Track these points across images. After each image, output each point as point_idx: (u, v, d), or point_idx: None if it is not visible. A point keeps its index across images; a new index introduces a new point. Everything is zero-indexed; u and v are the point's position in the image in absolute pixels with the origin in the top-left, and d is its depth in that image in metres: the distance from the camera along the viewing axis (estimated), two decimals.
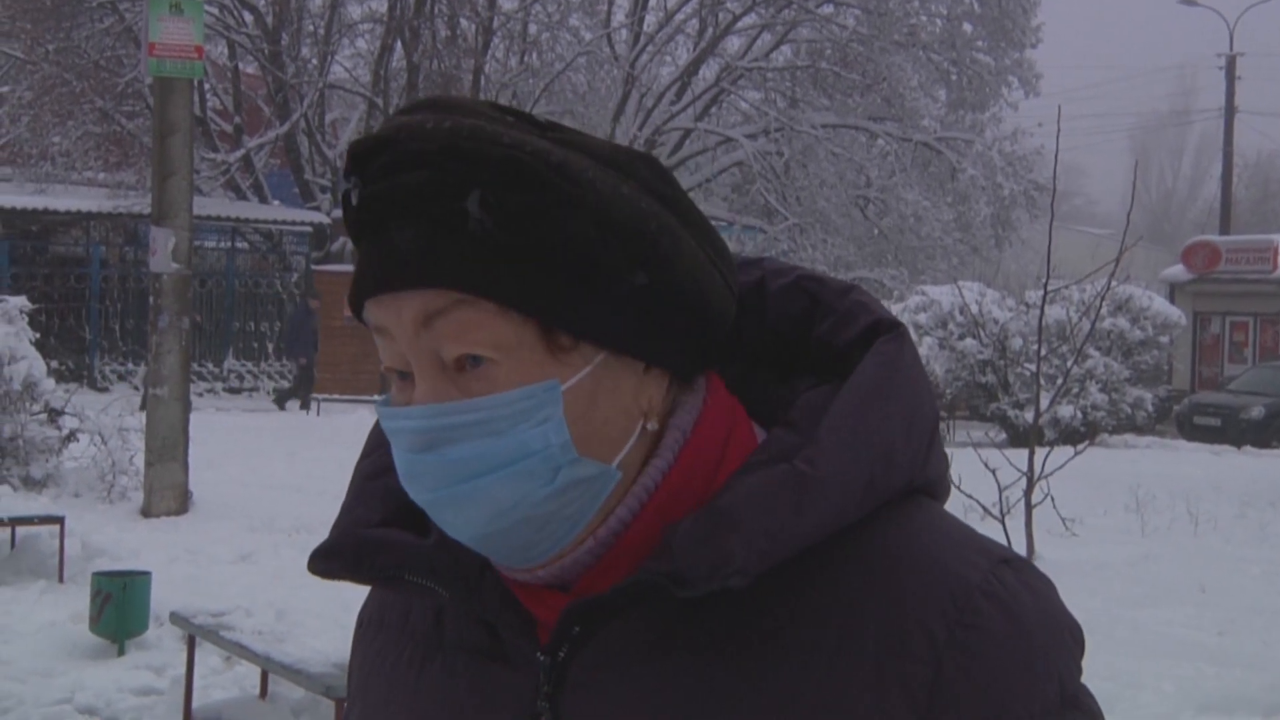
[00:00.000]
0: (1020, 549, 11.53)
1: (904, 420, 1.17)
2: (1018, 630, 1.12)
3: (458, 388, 1.11)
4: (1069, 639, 1.16)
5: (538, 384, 1.11)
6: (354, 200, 1.13)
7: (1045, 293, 11.61)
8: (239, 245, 31.85)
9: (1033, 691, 1.11)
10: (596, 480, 1.14)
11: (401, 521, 1.25)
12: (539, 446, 1.11)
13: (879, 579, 1.12)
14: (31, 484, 13.50)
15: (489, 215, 1.09)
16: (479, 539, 1.14)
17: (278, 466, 17.43)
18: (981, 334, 26.18)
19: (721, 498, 1.12)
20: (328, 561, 1.23)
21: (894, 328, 1.21)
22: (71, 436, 14.29)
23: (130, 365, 28.54)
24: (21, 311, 14.36)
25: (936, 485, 1.22)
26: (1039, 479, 11.40)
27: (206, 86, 30.77)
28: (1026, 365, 24.36)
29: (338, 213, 32.45)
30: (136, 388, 24.23)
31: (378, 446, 1.29)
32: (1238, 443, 27.74)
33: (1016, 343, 25.97)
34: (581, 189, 1.10)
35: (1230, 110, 45.85)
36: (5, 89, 31.03)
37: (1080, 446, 12.25)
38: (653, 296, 1.13)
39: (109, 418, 14.40)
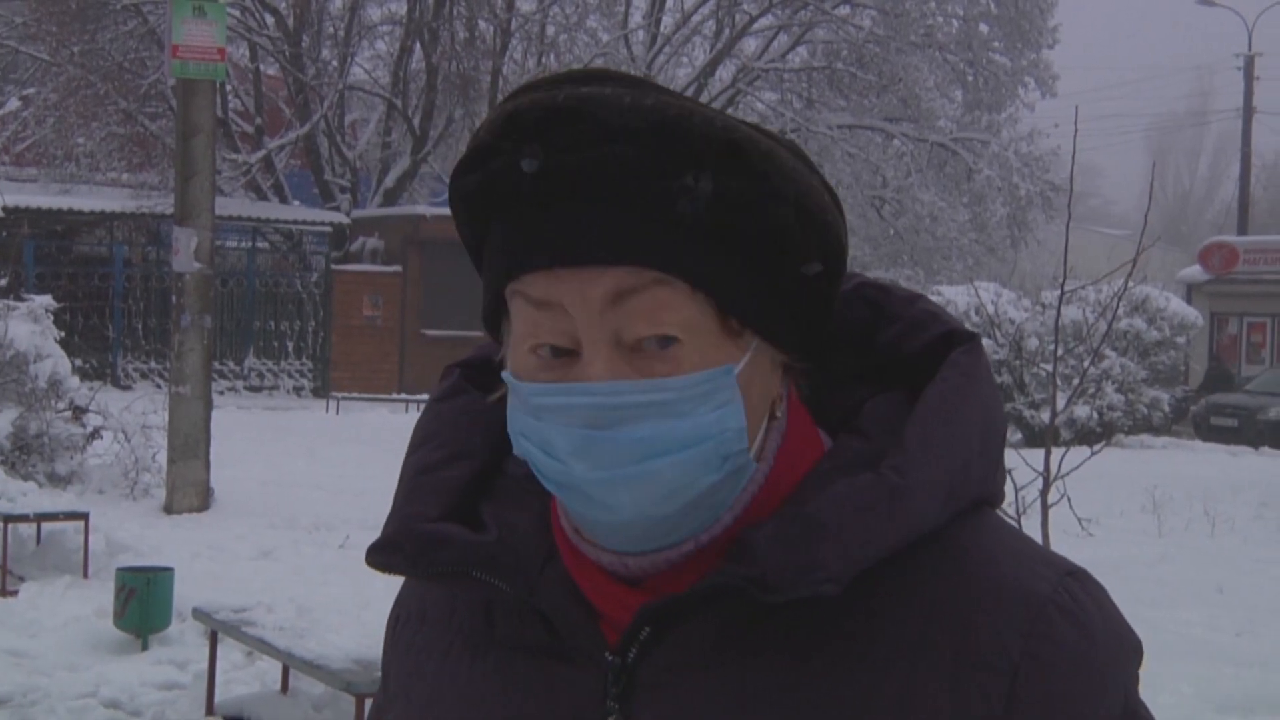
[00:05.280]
0: None
1: (980, 431, 1.17)
2: (1088, 643, 1.14)
3: (632, 367, 1.09)
4: (1131, 652, 1.18)
5: (717, 368, 1.10)
6: (530, 168, 1.09)
7: (1062, 293, 11.60)
8: (260, 245, 31.91)
9: (1100, 703, 1.14)
10: (742, 470, 1.14)
11: (457, 517, 1.23)
12: (716, 431, 1.09)
13: (953, 590, 1.13)
14: (56, 480, 13.59)
15: (700, 198, 1.08)
16: (636, 522, 1.12)
17: (298, 464, 17.50)
18: (997, 334, 26.14)
19: (809, 503, 1.11)
20: (387, 556, 1.21)
21: (970, 338, 1.21)
22: (95, 434, 14.39)
23: (153, 363, 28.65)
24: (46, 310, 14.48)
25: (996, 495, 1.22)
26: (1055, 479, 11.40)
27: (228, 88, 30.85)
28: (1042, 365, 24.31)
29: (357, 213, 32.75)
30: (159, 386, 24.34)
31: (426, 440, 1.27)
32: (1255, 443, 27.66)
33: (1032, 343, 25.94)
34: (786, 179, 1.11)
35: (1248, 110, 45.69)
36: (31, 91, 31.15)
37: (1097, 447, 12.24)
38: (819, 285, 1.15)
39: (132, 415, 14.50)
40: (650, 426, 1.09)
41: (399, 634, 1.35)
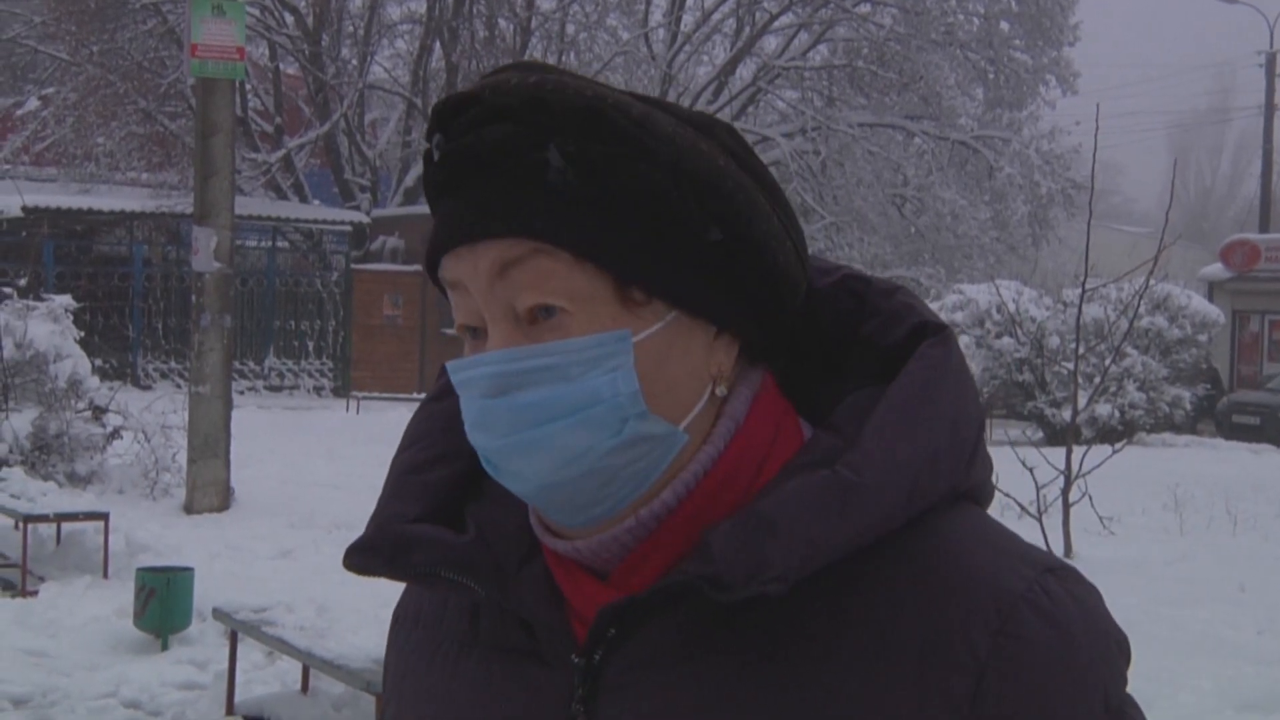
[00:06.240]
0: (1058, 548, 11.52)
1: (949, 425, 1.15)
2: (1062, 641, 1.10)
3: (529, 338, 1.12)
4: (1114, 649, 1.15)
5: (609, 332, 1.11)
6: (436, 156, 1.15)
7: (1083, 291, 11.60)
8: (280, 244, 32.01)
9: (1076, 703, 1.10)
10: (663, 440, 1.14)
11: (439, 518, 1.23)
12: (608, 394, 1.11)
13: (921, 587, 1.11)
14: (76, 480, 13.65)
15: (569, 166, 1.10)
16: (544, 489, 1.14)
17: (318, 464, 17.54)
18: (1018, 332, 26.10)
19: (763, 501, 1.11)
20: (363, 557, 1.22)
21: (940, 330, 1.20)
22: (115, 434, 14.45)
23: (173, 363, 28.75)
24: (66, 310, 14.55)
25: (980, 490, 1.20)
26: (1076, 477, 11.39)
27: (248, 87, 30.94)
28: (1064, 364, 24.27)
29: (377, 212, 32.86)
30: (179, 385, 24.43)
31: (415, 441, 1.29)
32: (1277, 441, 27.57)
33: (1054, 341, 25.88)
34: (660, 142, 1.11)
35: (1270, 108, 45.51)
36: (50, 90, 31.31)
37: (1118, 445, 12.24)
38: (726, 254, 1.13)
39: (152, 415, 14.54)
40: (539, 391, 1.11)
41: (396, 634, 1.36)
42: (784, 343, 1.22)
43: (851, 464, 1.11)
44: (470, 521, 1.23)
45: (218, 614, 7.90)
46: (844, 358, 1.22)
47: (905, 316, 1.21)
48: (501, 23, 33.95)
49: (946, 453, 1.15)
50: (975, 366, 25.62)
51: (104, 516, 10.64)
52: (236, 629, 7.61)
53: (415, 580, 1.22)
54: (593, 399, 1.11)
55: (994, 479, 1.24)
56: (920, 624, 1.10)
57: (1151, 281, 11.39)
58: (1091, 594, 1.16)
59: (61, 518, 10.74)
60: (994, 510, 1.25)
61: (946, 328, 1.20)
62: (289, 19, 32.69)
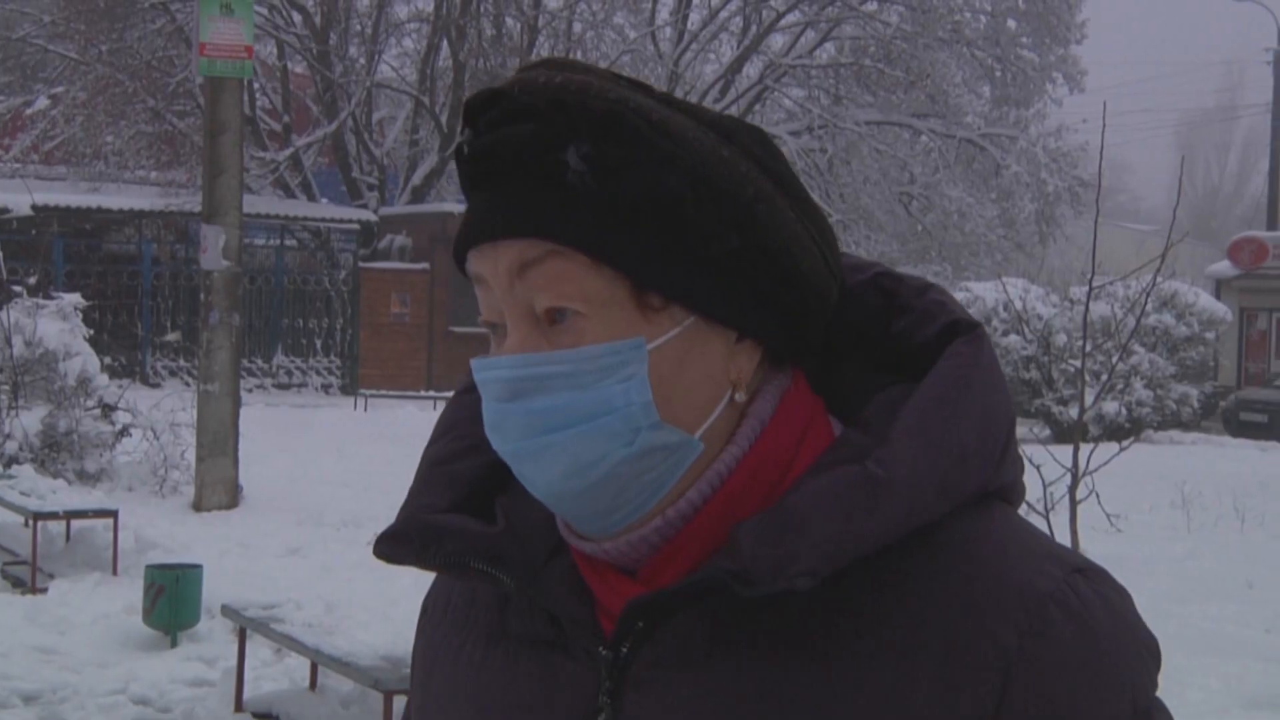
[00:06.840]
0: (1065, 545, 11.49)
1: (978, 423, 1.15)
2: (1090, 641, 1.10)
3: (547, 340, 1.11)
4: (1144, 652, 1.15)
5: (624, 340, 1.10)
6: (465, 151, 1.15)
7: (1090, 289, 11.57)
8: (288, 243, 32.03)
9: (1102, 704, 1.10)
10: (678, 449, 1.13)
11: (469, 508, 1.24)
12: (620, 404, 1.10)
13: (948, 584, 1.11)
14: (86, 478, 13.69)
15: (587, 168, 1.10)
16: (556, 496, 1.14)
17: (326, 461, 17.56)
18: (1025, 330, 26.08)
19: (791, 497, 1.11)
20: (393, 546, 1.22)
21: (972, 328, 1.19)
22: (124, 431, 14.48)
23: (182, 361, 28.80)
24: (75, 308, 14.59)
25: (1011, 489, 1.20)
26: (1084, 475, 11.37)
27: (256, 86, 30.95)
28: (1071, 361, 24.26)
29: (385, 210, 32.87)
30: (188, 383, 24.46)
31: (446, 431, 1.29)
32: None
33: (1061, 339, 25.86)
34: (679, 147, 1.11)
35: (1278, 105, 45.42)
36: (60, 89, 31.34)
37: (1125, 443, 12.21)
38: (745, 261, 1.13)
39: (161, 413, 14.57)
40: (551, 398, 1.11)
41: (424, 624, 1.36)
42: (815, 343, 1.21)
43: (880, 461, 1.11)
44: (500, 512, 1.23)
45: (226, 611, 7.92)
46: (875, 355, 1.23)
47: (937, 314, 1.21)
48: (509, 21, 33.97)
49: (976, 451, 1.15)
50: None
51: (113, 514, 10.65)
52: (245, 626, 7.63)
53: (443, 570, 1.22)
54: (605, 408, 1.11)
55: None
56: (947, 622, 1.10)
57: (1159, 279, 11.37)
58: (1121, 596, 1.16)
59: (71, 515, 10.76)
60: None
61: (979, 326, 1.20)
62: (297, 18, 32.71)
